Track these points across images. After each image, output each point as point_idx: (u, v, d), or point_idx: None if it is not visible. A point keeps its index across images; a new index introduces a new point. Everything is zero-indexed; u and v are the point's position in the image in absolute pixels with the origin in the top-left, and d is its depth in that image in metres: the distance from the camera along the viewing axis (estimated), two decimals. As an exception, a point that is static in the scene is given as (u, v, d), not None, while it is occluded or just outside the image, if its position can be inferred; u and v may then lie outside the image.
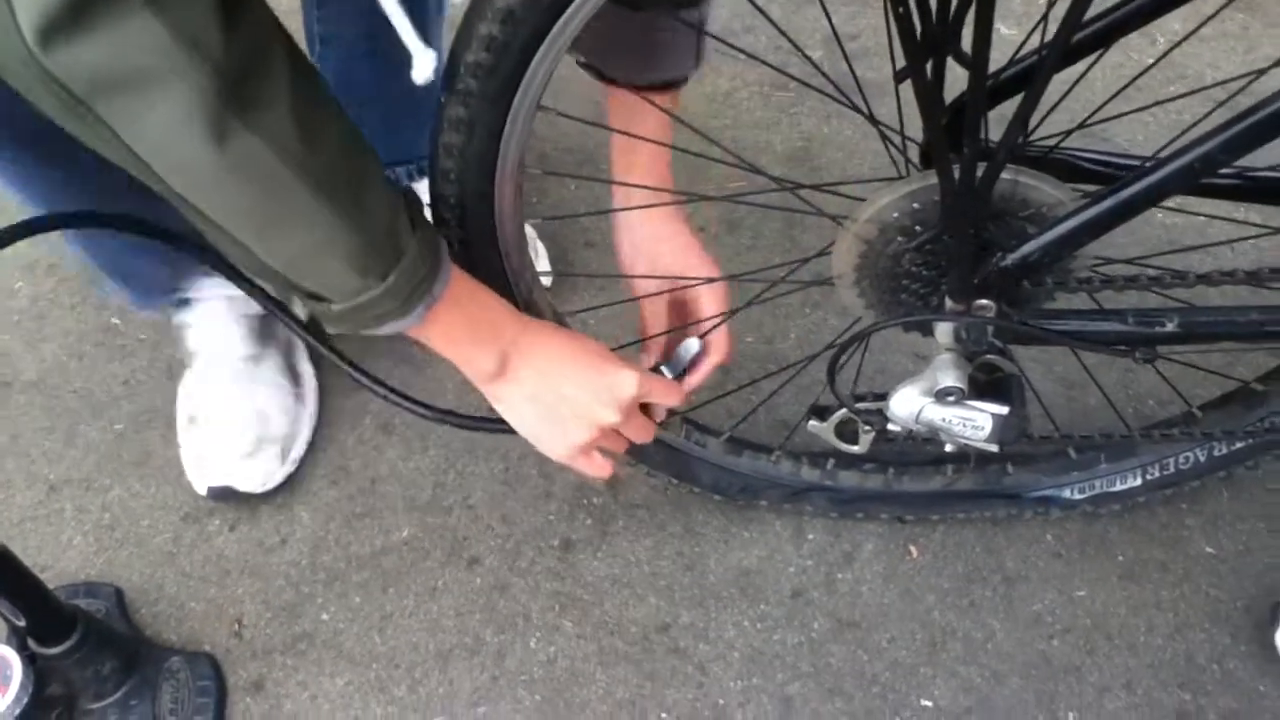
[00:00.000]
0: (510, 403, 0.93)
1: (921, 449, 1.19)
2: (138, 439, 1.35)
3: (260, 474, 1.26)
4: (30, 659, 1.07)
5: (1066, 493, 1.19)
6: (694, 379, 1.04)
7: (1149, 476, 1.17)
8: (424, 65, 0.76)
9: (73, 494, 1.31)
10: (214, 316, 1.31)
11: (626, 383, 0.92)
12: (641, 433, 0.99)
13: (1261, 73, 0.85)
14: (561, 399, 0.91)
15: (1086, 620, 1.17)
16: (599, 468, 0.99)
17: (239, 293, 1.18)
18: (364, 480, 1.30)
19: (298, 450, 1.31)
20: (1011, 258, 0.88)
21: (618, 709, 1.13)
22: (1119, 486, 1.18)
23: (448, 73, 0.79)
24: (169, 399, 1.35)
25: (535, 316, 1.02)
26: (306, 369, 1.38)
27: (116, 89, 0.56)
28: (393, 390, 1.00)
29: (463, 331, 0.86)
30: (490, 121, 0.82)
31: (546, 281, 1.40)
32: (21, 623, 1.05)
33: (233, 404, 1.28)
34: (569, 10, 0.74)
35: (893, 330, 0.98)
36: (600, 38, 0.92)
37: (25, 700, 1.05)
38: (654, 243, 1.04)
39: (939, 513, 1.23)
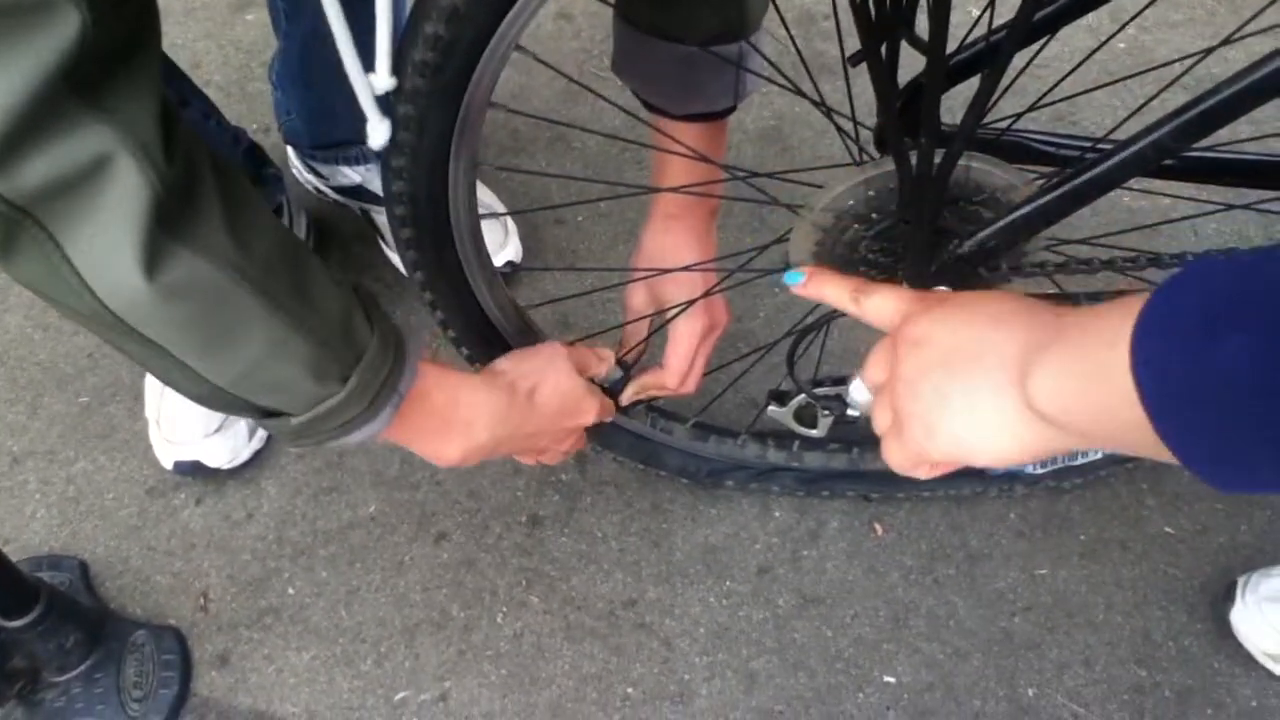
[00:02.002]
0: (507, 449, 0.96)
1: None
2: (102, 412, 1.34)
3: (228, 450, 1.26)
4: (-9, 632, 1.06)
5: (1030, 467, 1.21)
6: (628, 395, 1.08)
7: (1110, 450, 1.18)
8: (379, 133, 0.76)
9: (36, 466, 1.30)
10: None
11: (585, 418, 0.99)
12: (609, 410, 1.02)
13: (1209, 52, 0.85)
14: (518, 441, 0.95)
15: (1048, 598, 1.19)
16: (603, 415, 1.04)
17: None
18: (331, 455, 1.30)
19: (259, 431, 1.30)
20: (968, 244, 0.89)
21: (584, 683, 1.14)
22: (1080, 460, 1.19)
23: (396, 72, 0.79)
24: (135, 372, 1.35)
25: (496, 311, 1.02)
26: None
27: (61, 193, 0.52)
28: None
29: (434, 424, 0.85)
30: (440, 120, 0.81)
31: (513, 254, 1.40)
32: (-17, 595, 1.04)
33: None
34: (514, 9, 0.74)
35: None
36: (639, 66, 0.92)
37: (-14, 674, 1.05)
38: (667, 245, 1.03)
39: (904, 491, 1.24)
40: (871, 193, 0.88)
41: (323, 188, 1.46)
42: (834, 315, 0.97)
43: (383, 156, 0.86)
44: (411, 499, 1.26)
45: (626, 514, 1.25)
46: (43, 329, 1.41)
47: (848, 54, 0.82)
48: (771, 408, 1.11)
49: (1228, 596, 1.15)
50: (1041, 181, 0.88)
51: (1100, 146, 0.91)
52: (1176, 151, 0.79)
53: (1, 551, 1.03)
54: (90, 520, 1.26)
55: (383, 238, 1.43)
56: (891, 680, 1.14)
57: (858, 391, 1.00)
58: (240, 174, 0.65)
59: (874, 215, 0.90)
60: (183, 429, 1.25)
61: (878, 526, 1.24)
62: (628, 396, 1.08)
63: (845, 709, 1.12)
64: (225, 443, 1.25)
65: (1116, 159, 0.80)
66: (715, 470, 1.24)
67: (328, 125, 1.35)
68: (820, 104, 0.90)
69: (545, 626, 1.18)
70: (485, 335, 1.05)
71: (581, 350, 1.02)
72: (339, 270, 1.43)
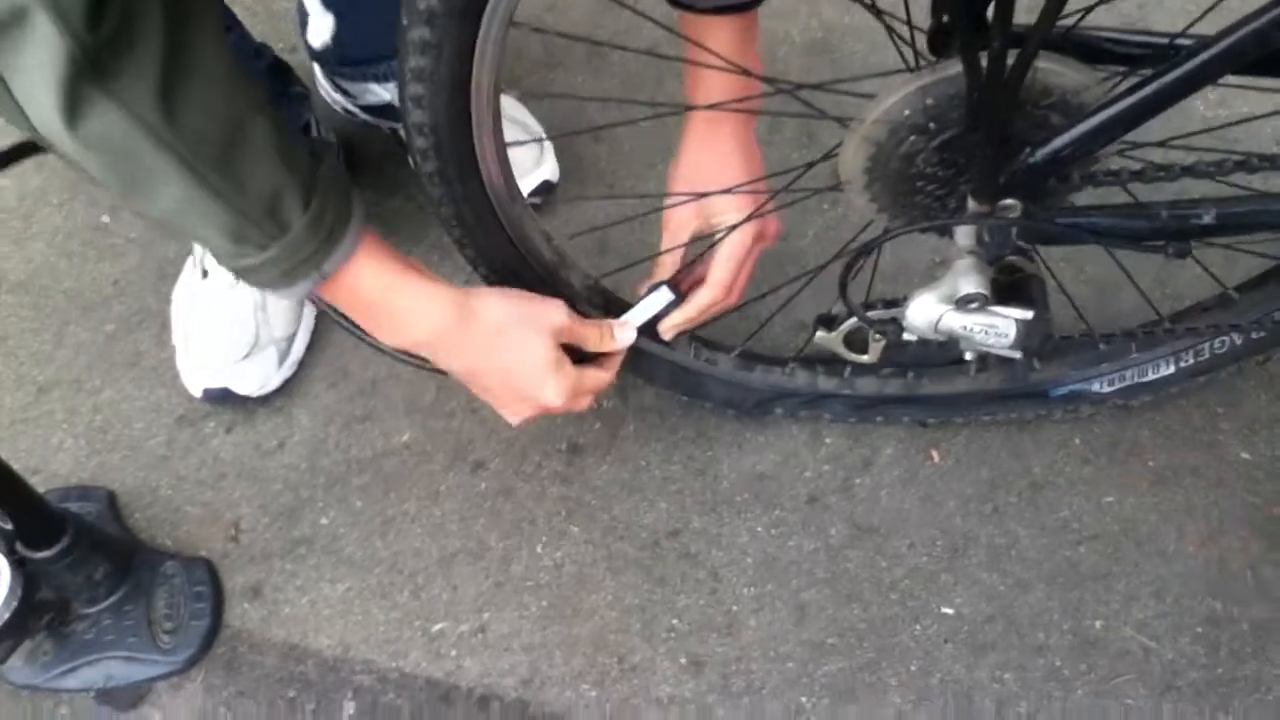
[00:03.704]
0: (445, 366, 0.94)
1: (939, 353, 1.14)
2: (129, 340, 1.30)
3: (257, 376, 1.21)
4: (19, 563, 1.03)
5: (1096, 386, 1.14)
6: (680, 317, 1.00)
7: (1183, 364, 1.11)
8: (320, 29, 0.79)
9: (62, 395, 1.26)
10: None
11: (543, 396, 0.94)
12: (582, 400, 0.98)
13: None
14: (494, 377, 0.94)
15: (1115, 527, 1.12)
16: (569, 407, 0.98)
17: None
18: (364, 382, 1.25)
19: (296, 352, 1.26)
20: (1041, 153, 0.82)
21: (626, 615, 1.10)
22: (1151, 376, 1.12)
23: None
24: (161, 299, 1.30)
25: (525, 243, 0.97)
26: None
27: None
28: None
29: (361, 308, 0.87)
30: (459, 42, 0.76)
31: (549, 173, 1.34)
32: (9, 526, 1.01)
33: (233, 304, 1.23)
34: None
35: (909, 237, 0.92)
36: None
37: (15, 604, 1.02)
38: (707, 154, 0.98)
39: (963, 415, 1.18)
40: (930, 101, 0.81)
41: (351, 108, 1.40)
42: (887, 235, 0.91)
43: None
44: (447, 427, 1.22)
45: (670, 441, 1.20)
46: (67, 256, 1.37)
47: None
48: (820, 333, 1.05)
49: (1309, 525, 1.08)
50: (1118, 82, 0.80)
51: (1180, 43, 0.83)
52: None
53: (25, 481, 1.00)
54: (118, 450, 1.22)
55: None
56: (950, 612, 1.09)
57: (915, 312, 0.94)
58: (211, 49, 0.68)
59: (934, 125, 0.83)
60: (211, 354, 1.21)
61: (934, 453, 1.18)
62: (673, 327, 1.02)
63: (900, 641, 1.07)
64: (255, 369, 1.21)
65: (1213, 51, 0.73)
66: (763, 400, 1.18)
67: (354, 40, 1.29)
68: (871, 5, 0.82)
69: (586, 557, 1.13)
70: (516, 271, 1.00)
71: (586, 327, 0.96)
72: (371, 191, 1.39)
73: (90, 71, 0.60)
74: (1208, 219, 0.87)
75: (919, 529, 1.13)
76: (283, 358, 1.24)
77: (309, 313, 1.28)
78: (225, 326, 1.22)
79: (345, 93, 1.37)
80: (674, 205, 0.99)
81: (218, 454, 1.22)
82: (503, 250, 0.97)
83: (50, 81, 0.60)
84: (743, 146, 0.97)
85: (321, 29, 1.30)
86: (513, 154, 0.93)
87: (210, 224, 0.72)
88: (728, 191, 0.96)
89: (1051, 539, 1.12)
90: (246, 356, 1.21)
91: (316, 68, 1.39)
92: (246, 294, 1.23)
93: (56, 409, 1.25)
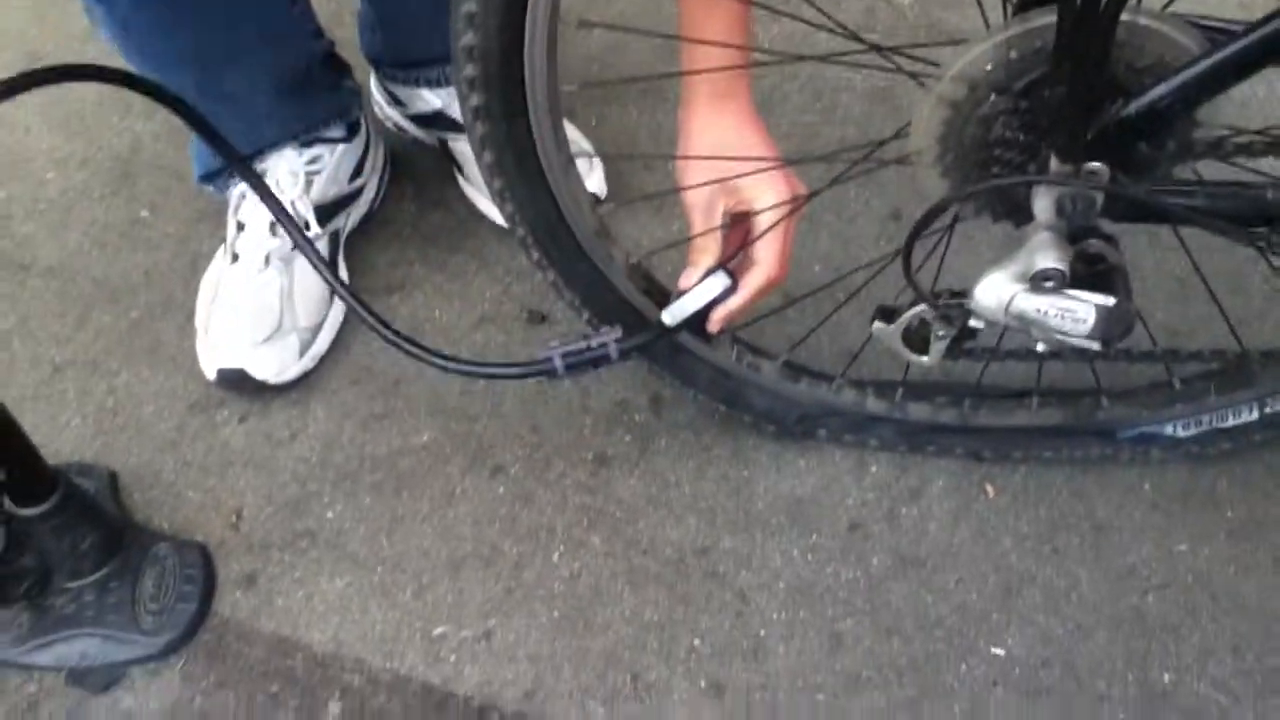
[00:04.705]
0: None
1: (1001, 384, 1.07)
2: (152, 327, 1.25)
3: (275, 362, 1.16)
4: (4, 520, 0.97)
5: (1169, 429, 1.04)
6: (735, 303, 0.94)
7: (1268, 410, 1.01)
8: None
9: (77, 375, 1.22)
10: (281, 184, 1.22)
11: None
12: None
13: None
14: None
15: (1188, 577, 1.02)
16: None
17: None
18: (387, 381, 1.19)
19: (320, 346, 1.21)
20: (1136, 104, 0.76)
21: (644, 631, 1.00)
22: (1231, 421, 1.03)
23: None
24: (190, 292, 1.26)
25: (569, 203, 0.92)
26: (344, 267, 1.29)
27: None
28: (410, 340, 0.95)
29: None
30: None
31: (596, 187, 1.30)
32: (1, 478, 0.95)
33: (259, 288, 1.18)
34: None
35: (974, 229, 0.86)
36: None
37: (-9, 564, 0.95)
38: (717, 128, 0.91)
39: (1022, 451, 1.09)
40: (1014, 54, 0.76)
41: (402, 122, 1.38)
42: (962, 195, 0.84)
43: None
44: (469, 430, 1.15)
45: (703, 459, 1.12)
46: (101, 246, 1.34)
47: None
48: (877, 324, 0.97)
49: (1406, 589, 0.97)
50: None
51: None
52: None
53: (24, 433, 0.94)
54: (126, 432, 1.17)
55: (460, 170, 1.34)
56: (1000, 653, 0.98)
57: (985, 292, 0.87)
58: None
59: (1017, 84, 0.78)
60: (232, 336, 1.16)
61: (989, 488, 1.09)
62: (728, 315, 0.95)
63: (944, 680, 0.97)
64: (274, 354, 1.16)
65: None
66: (806, 416, 1.10)
67: (407, 40, 1.28)
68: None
69: (606, 569, 1.05)
70: (554, 232, 0.94)
71: None
72: (413, 204, 1.35)
73: None
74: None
75: (970, 565, 1.04)
76: (304, 348, 1.18)
77: (337, 308, 1.24)
78: (249, 309, 1.17)
79: (397, 101, 1.35)
80: (696, 187, 0.93)
81: (228, 441, 1.15)
82: (545, 209, 0.92)
83: None
84: (752, 119, 0.92)
85: (377, 32, 1.30)
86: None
87: None
88: (762, 164, 0.90)
89: (1116, 585, 1.02)
90: (267, 340, 1.16)
91: (372, 78, 1.38)
92: (275, 279, 1.18)
93: (69, 388, 1.21)
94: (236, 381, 1.16)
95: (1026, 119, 0.79)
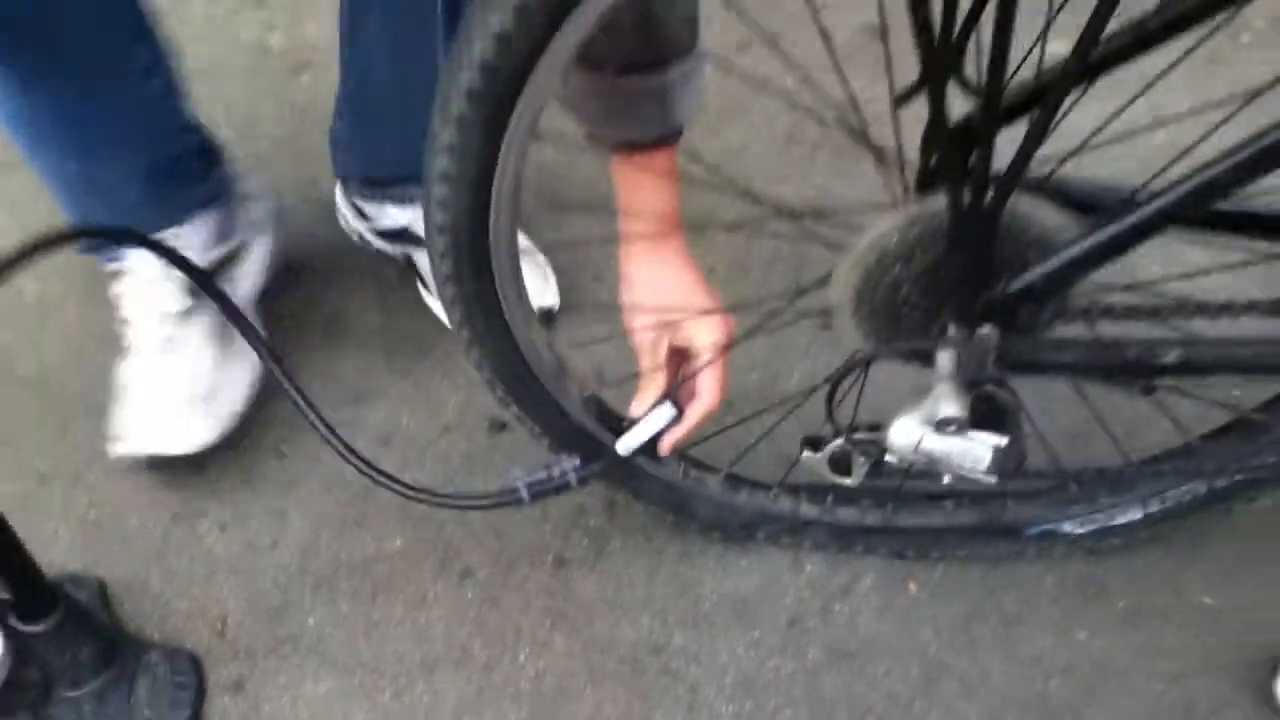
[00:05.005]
0: None
1: (920, 488, 1.20)
2: (133, 438, 1.33)
3: (185, 435, 1.25)
4: (10, 635, 1.04)
5: (1067, 527, 1.18)
6: (681, 431, 1.06)
7: (1150, 510, 1.16)
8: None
9: (62, 487, 1.29)
10: (145, 278, 1.31)
11: None
12: None
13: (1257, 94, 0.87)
14: None
15: (1086, 664, 1.15)
16: None
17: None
18: (359, 488, 1.28)
19: (228, 408, 1.30)
20: (1015, 283, 0.89)
21: (606, 726, 1.11)
22: (1120, 520, 1.17)
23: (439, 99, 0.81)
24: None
25: (532, 350, 1.02)
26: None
27: None
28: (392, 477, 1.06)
29: None
30: (483, 147, 0.82)
31: (551, 299, 1.41)
32: (6, 596, 1.02)
33: (159, 369, 1.27)
34: (561, 31, 0.74)
35: (890, 366, 0.99)
36: (576, 96, 0.93)
37: (3, 676, 1.02)
38: (657, 276, 1.04)
39: (940, 549, 1.22)
40: (917, 231, 0.89)
41: (367, 235, 1.47)
42: (872, 356, 0.97)
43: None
44: (437, 536, 1.25)
45: (655, 560, 1.23)
46: (78, 357, 1.42)
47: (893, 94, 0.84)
48: (806, 453, 1.10)
49: (1274, 672, 1.12)
50: (1089, 222, 0.88)
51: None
52: (1232, 190, 0.80)
53: (28, 553, 1.02)
54: (113, 543, 1.25)
55: (423, 282, 1.44)
56: (924, 738, 1.10)
57: (897, 434, 0.99)
58: None
59: (918, 254, 0.91)
60: (142, 421, 1.26)
61: (912, 585, 1.21)
62: (674, 442, 1.07)
63: (876, 765, 1.08)
64: (184, 427, 1.26)
65: (1168, 199, 0.81)
66: (747, 523, 1.22)
67: (378, 159, 1.37)
68: (864, 137, 0.91)
69: (568, 668, 1.15)
70: (518, 375, 1.05)
71: None
72: (378, 314, 1.45)
73: None
74: (1171, 358, 0.94)
75: (895, 656, 1.16)
76: (212, 413, 1.28)
77: (243, 369, 1.33)
78: (155, 389, 1.26)
79: (363, 215, 1.45)
80: (641, 328, 1.05)
81: (211, 550, 1.24)
82: (509, 357, 1.02)
83: None
84: (686, 262, 1.04)
85: (349, 151, 1.39)
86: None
87: None
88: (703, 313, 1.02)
89: (1024, 672, 1.14)
90: (176, 415, 1.25)
91: (338, 192, 1.48)
92: (176, 356, 1.28)
93: (55, 498, 1.28)
94: (157, 463, 1.25)
95: (927, 286, 0.92)
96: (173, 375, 1.27)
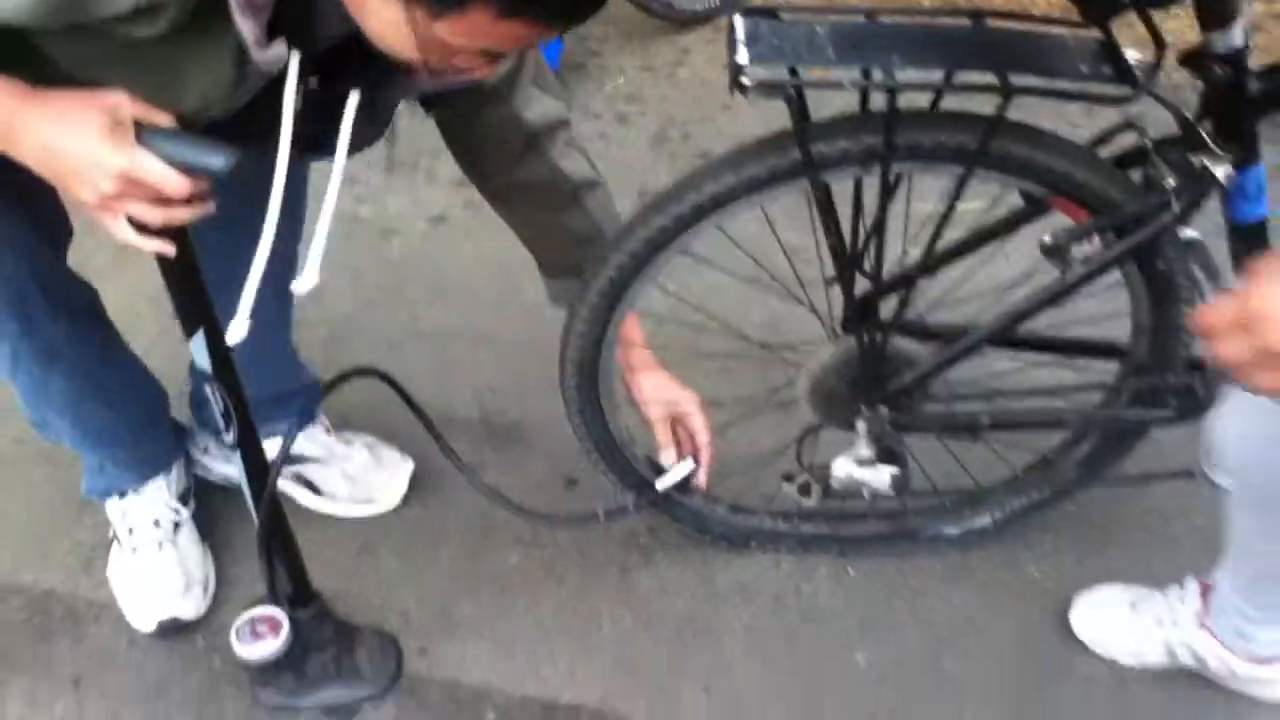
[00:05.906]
0: (18, 155, 1.04)
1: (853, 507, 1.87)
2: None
3: (194, 605, 1.79)
4: (290, 618, 1.64)
5: (947, 530, 1.87)
6: (701, 475, 1.72)
7: (996, 516, 1.85)
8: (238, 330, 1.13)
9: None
10: (149, 504, 1.82)
11: (113, 161, 1.02)
12: (149, 213, 1.07)
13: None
14: (63, 160, 1.03)
15: (960, 618, 1.81)
16: (123, 234, 1.10)
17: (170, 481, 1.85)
18: (487, 525, 1.91)
19: (211, 587, 1.84)
20: (896, 384, 1.58)
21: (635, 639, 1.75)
22: (978, 524, 1.85)
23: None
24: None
25: (618, 431, 1.69)
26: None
27: None
28: (503, 496, 1.68)
29: None
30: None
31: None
32: (290, 590, 1.62)
33: (165, 561, 1.80)
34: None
35: (832, 432, 1.67)
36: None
37: (287, 646, 1.61)
38: (657, 391, 1.70)
39: (867, 548, 1.89)
40: (844, 354, 1.59)
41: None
42: (818, 427, 1.66)
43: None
44: (540, 554, 1.88)
45: (685, 562, 1.88)
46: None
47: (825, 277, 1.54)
48: (784, 485, 1.77)
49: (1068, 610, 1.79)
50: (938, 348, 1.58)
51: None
52: (1017, 326, 1.50)
53: (302, 557, 1.62)
54: (319, 564, 1.85)
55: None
56: (860, 659, 1.76)
57: (838, 467, 1.67)
58: None
59: (843, 370, 1.60)
60: (156, 596, 1.77)
61: (850, 570, 1.87)
62: (707, 475, 1.73)
63: (816, 665, 1.74)
64: (192, 600, 1.80)
65: (978, 335, 1.51)
66: (745, 536, 1.88)
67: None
68: (810, 305, 1.60)
69: (634, 635, 1.78)
70: (608, 443, 1.72)
71: (148, 110, 1.05)
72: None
73: None
74: (986, 420, 1.63)
75: (841, 618, 1.81)
76: (205, 591, 1.81)
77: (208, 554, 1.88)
78: (164, 574, 1.78)
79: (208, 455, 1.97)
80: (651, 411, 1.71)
81: (388, 566, 1.85)
82: (605, 437, 1.69)
83: None
84: (665, 369, 1.71)
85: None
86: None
87: None
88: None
89: (922, 625, 1.81)
90: (185, 591, 1.77)
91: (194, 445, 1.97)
92: (175, 551, 1.81)
93: (276, 538, 1.89)
94: (172, 628, 1.77)
95: (849, 386, 1.61)
96: (176, 562, 1.80)
